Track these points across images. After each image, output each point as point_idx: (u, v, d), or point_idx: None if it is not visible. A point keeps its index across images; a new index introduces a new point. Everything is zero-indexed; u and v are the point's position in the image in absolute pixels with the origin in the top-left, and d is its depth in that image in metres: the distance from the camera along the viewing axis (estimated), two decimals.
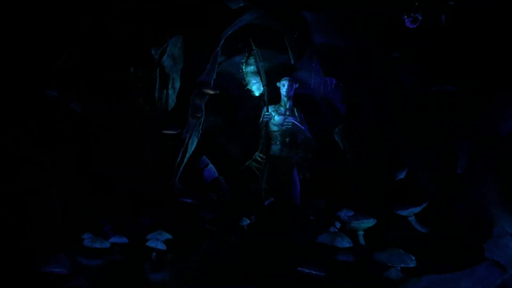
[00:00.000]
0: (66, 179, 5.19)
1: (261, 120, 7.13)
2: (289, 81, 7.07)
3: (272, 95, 7.15)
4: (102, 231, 4.87)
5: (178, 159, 5.95)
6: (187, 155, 6.01)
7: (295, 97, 7.17)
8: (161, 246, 4.27)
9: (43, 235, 4.72)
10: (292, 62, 6.55)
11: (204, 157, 5.97)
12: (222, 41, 6.02)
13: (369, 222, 3.73)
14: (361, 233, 3.75)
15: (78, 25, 5.44)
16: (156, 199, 5.58)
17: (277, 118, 7.12)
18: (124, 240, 4.52)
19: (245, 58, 6.93)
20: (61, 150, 5.23)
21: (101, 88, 5.61)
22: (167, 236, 4.40)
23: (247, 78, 7.07)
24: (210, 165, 5.86)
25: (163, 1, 5.73)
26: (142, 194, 5.60)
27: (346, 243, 3.58)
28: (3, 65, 4.90)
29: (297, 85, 7.16)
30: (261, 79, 6.99)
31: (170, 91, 6.17)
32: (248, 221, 4.83)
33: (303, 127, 7.11)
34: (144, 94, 5.87)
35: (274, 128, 7.10)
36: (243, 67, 6.97)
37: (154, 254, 4.30)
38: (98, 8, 5.52)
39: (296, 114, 7.17)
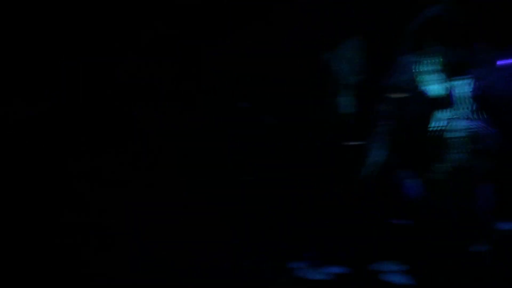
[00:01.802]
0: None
1: (437, 124, 6.34)
2: (468, 79, 6.26)
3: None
4: (307, 259, 4.32)
5: (363, 173, 5.34)
6: (373, 169, 5.37)
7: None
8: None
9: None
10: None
11: (405, 170, 5.26)
12: (409, 38, 5.36)
13: None
14: None
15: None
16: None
17: (456, 123, 6.31)
18: (344, 269, 3.90)
19: (420, 55, 6.17)
20: None
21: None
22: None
23: (422, 77, 6.29)
24: (417, 180, 5.12)
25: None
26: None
27: None
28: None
29: (477, 83, 6.33)
30: (438, 78, 6.19)
31: (344, 98, 5.62)
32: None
33: (490, 132, 6.23)
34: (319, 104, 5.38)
35: (454, 135, 6.29)
36: (417, 66, 6.20)
37: None
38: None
39: (480, 116, 6.31)
